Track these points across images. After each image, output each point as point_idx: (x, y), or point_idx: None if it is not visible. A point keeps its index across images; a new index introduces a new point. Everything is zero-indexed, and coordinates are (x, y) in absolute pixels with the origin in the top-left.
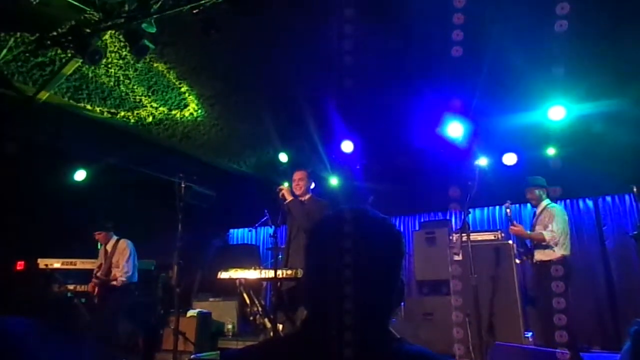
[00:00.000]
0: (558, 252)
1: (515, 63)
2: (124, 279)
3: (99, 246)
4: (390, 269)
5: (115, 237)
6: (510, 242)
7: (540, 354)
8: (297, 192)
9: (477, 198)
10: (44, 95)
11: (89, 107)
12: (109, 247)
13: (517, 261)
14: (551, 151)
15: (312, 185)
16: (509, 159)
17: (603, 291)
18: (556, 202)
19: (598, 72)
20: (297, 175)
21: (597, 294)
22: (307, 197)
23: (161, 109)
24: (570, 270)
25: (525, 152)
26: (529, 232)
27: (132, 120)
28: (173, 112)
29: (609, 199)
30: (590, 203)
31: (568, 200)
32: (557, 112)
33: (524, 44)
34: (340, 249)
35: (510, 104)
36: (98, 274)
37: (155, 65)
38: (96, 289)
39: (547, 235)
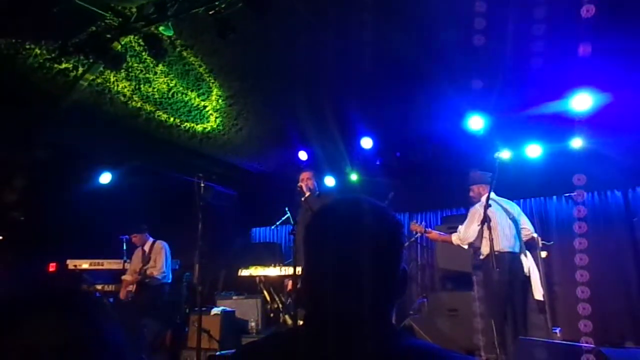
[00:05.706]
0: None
1: (538, 50)
2: (159, 277)
3: (124, 247)
4: (388, 259)
5: (151, 239)
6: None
7: (564, 348)
8: (307, 191)
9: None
10: (69, 100)
11: (112, 110)
12: (146, 248)
13: (543, 254)
14: (577, 142)
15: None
16: (533, 150)
17: (635, 285)
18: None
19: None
20: (305, 175)
21: (629, 288)
22: (316, 193)
23: (181, 110)
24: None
25: (550, 143)
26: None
27: (154, 123)
28: (193, 113)
29: (639, 189)
30: (619, 194)
31: (596, 192)
32: (582, 101)
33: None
34: (336, 239)
35: (533, 93)
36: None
37: (174, 67)
38: (134, 287)
39: (453, 237)
